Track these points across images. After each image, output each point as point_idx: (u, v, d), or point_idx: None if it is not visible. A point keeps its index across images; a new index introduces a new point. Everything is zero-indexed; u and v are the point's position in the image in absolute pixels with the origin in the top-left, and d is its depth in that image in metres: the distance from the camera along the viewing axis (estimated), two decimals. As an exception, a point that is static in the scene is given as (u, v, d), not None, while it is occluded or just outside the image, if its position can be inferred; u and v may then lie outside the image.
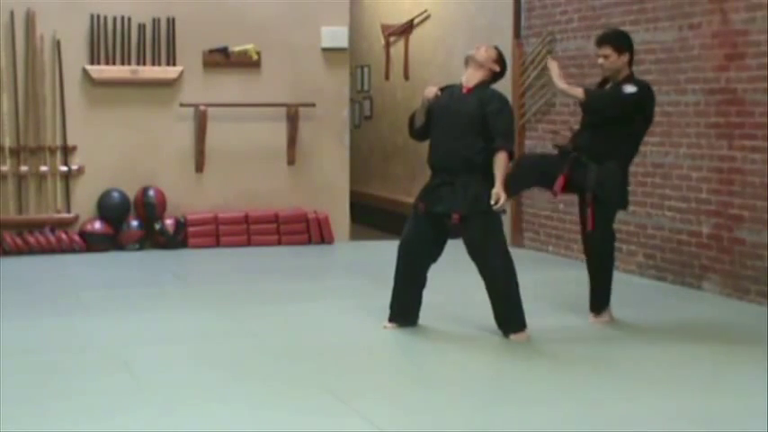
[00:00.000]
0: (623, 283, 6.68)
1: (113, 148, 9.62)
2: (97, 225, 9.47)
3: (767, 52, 7.02)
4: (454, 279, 7.31)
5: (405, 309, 6.35)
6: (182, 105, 9.74)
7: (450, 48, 10.58)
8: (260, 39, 9.95)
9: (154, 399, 4.96)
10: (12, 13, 9.31)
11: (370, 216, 11.93)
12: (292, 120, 10.03)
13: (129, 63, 9.61)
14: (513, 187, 6.40)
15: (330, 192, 10.25)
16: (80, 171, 9.54)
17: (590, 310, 6.58)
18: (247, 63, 9.92)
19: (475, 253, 6.15)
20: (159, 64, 9.70)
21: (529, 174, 6.79)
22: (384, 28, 12.35)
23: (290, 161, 10.12)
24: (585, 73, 8.72)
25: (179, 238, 9.66)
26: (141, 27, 9.64)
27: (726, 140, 7.38)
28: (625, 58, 6.48)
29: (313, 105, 10.06)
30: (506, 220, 6.49)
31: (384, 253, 7.79)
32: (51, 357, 5.71)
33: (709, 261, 7.54)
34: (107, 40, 9.54)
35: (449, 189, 6.10)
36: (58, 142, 9.48)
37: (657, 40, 7.94)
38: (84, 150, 9.55)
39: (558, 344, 6.07)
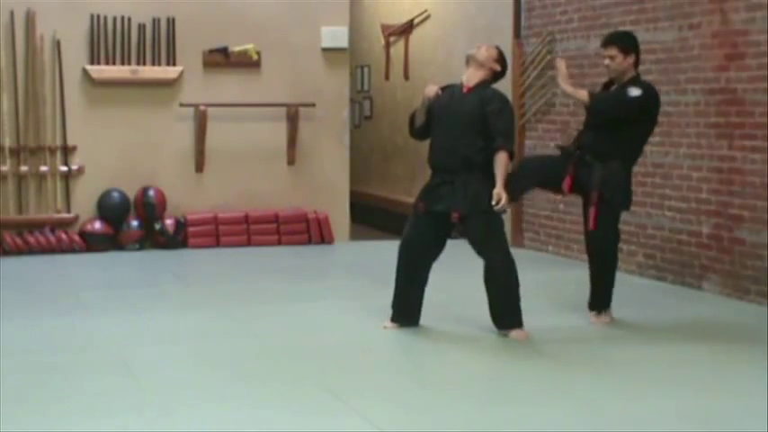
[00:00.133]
0: (623, 283, 6.69)
1: (113, 148, 9.62)
2: (97, 225, 9.47)
3: (767, 52, 7.02)
4: (455, 279, 7.31)
5: (406, 308, 6.35)
6: (182, 105, 9.74)
7: (451, 48, 10.58)
8: (260, 39, 9.95)
9: (154, 399, 4.96)
10: (12, 13, 9.31)
11: (370, 216, 11.93)
12: (292, 120, 10.03)
13: (129, 63, 9.61)
14: (514, 190, 6.40)
15: (330, 192, 10.25)
16: (80, 171, 9.54)
17: (590, 309, 6.58)
18: (247, 63, 9.92)
19: (477, 251, 6.16)
20: (159, 64, 9.70)
21: (530, 177, 6.78)
22: (384, 28, 12.35)
23: (290, 161, 10.12)
24: (585, 73, 8.73)
25: (179, 238, 9.66)
26: (141, 27, 9.64)
27: (726, 140, 7.38)
28: (631, 59, 6.48)
29: (313, 105, 10.06)
30: (506, 220, 6.49)
31: (384, 253, 7.79)
32: (51, 357, 5.71)
33: (709, 261, 7.54)
34: (107, 40, 9.54)
35: (449, 188, 6.10)
36: (58, 142, 9.48)
37: (657, 40, 7.94)
38: (84, 150, 9.55)
39: (557, 344, 6.07)
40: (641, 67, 6.65)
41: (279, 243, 9.90)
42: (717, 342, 6.14)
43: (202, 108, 9.70)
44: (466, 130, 6.10)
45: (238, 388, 5.12)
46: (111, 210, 9.54)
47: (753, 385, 5.17)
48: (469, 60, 6.25)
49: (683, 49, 7.75)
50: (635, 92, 6.40)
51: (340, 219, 10.25)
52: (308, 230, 10.00)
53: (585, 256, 6.71)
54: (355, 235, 10.53)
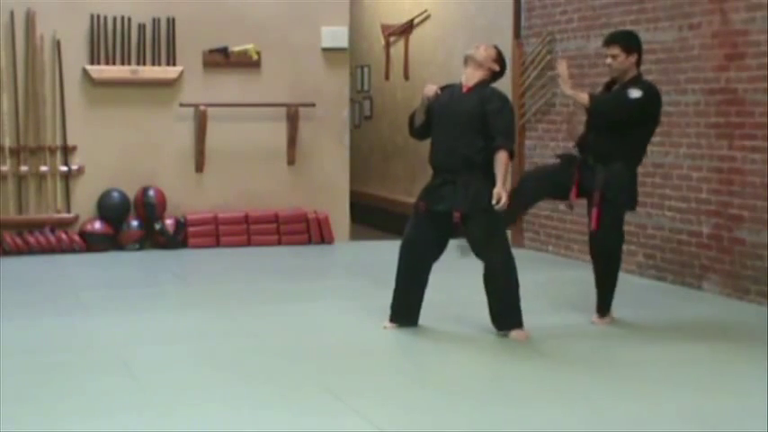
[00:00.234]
0: (623, 283, 6.68)
1: (113, 148, 9.62)
2: (97, 225, 9.47)
3: (767, 52, 7.02)
4: (455, 279, 7.31)
5: (406, 309, 6.35)
6: (182, 105, 9.74)
7: (451, 48, 10.59)
8: (260, 39, 9.95)
9: (154, 399, 4.96)
10: (12, 13, 9.31)
11: (370, 216, 11.93)
12: (292, 120, 10.03)
13: (129, 63, 9.62)
14: (516, 207, 6.42)
15: (330, 192, 10.25)
16: (80, 171, 9.54)
17: (596, 311, 6.56)
18: (247, 63, 9.92)
19: (478, 251, 6.15)
20: (159, 64, 9.70)
21: (533, 191, 6.76)
22: (384, 28, 12.35)
23: (290, 161, 10.12)
24: (585, 73, 8.73)
25: (179, 238, 9.66)
26: (141, 27, 9.64)
27: (726, 140, 7.38)
28: (633, 58, 6.48)
29: (313, 105, 10.06)
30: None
31: (384, 253, 7.79)
32: (51, 357, 5.71)
33: (709, 261, 7.54)
34: (107, 40, 9.54)
35: (450, 188, 6.10)
36: (58, 142, 9.48)
37: (657, 40, 7.94)
38: (84, 150, 9.55)
39: (557, 344, 6.07)
40: (642, 68, 6.65)
41: (279, 243, 9.90)
42: (717, 342, 6.14)
43: (202, 108, 9.70)
44: (466, 129, 6.10)
45: (238, 388, 5.12)
46: (111, 210, 9.54)
47: (753, 385, 5.17)
48: (468, 60, 6.24)
49: (683, 49, 7.75)
50: (635, 93, 6.40)
51: (340, 219, 10.25)
52: (308, 230, 10.00)
53: (586, 257, 6.71)
54: (355, 235, 10.53)
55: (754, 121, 7.15)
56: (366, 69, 12.85)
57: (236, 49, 9.89)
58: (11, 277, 8.10)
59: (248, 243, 9.83)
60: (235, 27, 9.88)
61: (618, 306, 6.64)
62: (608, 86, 6.65)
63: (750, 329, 6.46)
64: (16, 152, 9.36)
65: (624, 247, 7.87)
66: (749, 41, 7.18)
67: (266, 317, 6.82)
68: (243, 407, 4.82)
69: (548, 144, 9.39)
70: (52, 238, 9.30)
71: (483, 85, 6.21)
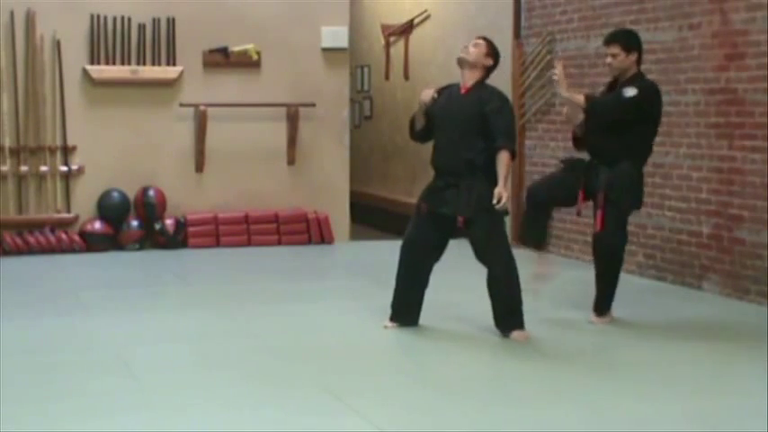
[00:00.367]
0: (623, 283, 6.68)
1: (113, 148, 9.62)
2: (97, 225, 9.47)
3: (767, 52, 7.02)
4: (455, 279, 7.31)
5: (406, 308, 6.35)
6: (182, 105, 9.74)
7: (450, 48, 10.57)
8: (260, 39, 9.95)
9: (154, 399, 4.96)
10: (12, 13, 9.31)
11: (370, 216, 11.93)
12: (292, 120, 10.03)
13: (129, 63, 9.61)
14: (536, 231, 6.46)
15: (330, 192, 10.25)
16: (80, 171, 9.54)
17: (593, 311, 6.57)
18: (247, 63, 9.92)
19: (479, 252, 6.15)
20: (159, 64, 9.70)
21: (543, 205, 6.75)
22: (384, 28, 12.35)
23: (290, 161, 10.12)
24: (585, 73, 8.73)
25: (179, 238, 9.66)
26: (141, 27, 9.64)
27: (726, 140, 7.38)
28: (633, 57, 6.49)
29: (313, 105, 10.06)
30: (507, 220, 6.49)
31: (384, 253, 7.79)
32: (51, 357, 5.71)
33: (709, 261, 7.54)
34: (107, 40, 9.54)
35: (453, 192, 6.09)
36: (58, 142, 9.48)
37: (657, 40, 7.94)
38: (84, 150, 9.55)
39: (558, 344, 6.07)
40: (642, 68, 6.66)
41: (279, 243, 9.90)
42: (717, 342, 6.14)
43: (202, 108, 9.70)
44: (466, 131, 6.09)
45: (238, 388, 5.13)
46: (111, 210, 9.54)
47: (753, 385, 5.17)
48: (462, 63, 6.23)
49: (683, 49, 7.75)
50: (630, 92, 6.40)
51: (340, 219, 10.25)
52: (308, 230, 10.00)
53: (586, 256, 6.72)
54: (355, 235, 10.53)
55: (754, 121, 7.15)
56: (366, 69, 12.85)
57: (236, 49, 9.88)
58: (11, 277, 8.10)
59: (248, 243, 9.83)
60: (235, 27, 9.88)
61: (618, 306, 6.65)
62: (610, 86, 6.65)
63: (750, 329, 6.46)
64: (16, 152, 9.36)
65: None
66: (749, 41, 7.18)
67: (266, 317, 6.82)
68: (243, 407, 4.82)
69: (548, 144, 9.40)
70: (52, 238, 9.30)
71: (481, 83, 6.20)
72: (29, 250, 9.21)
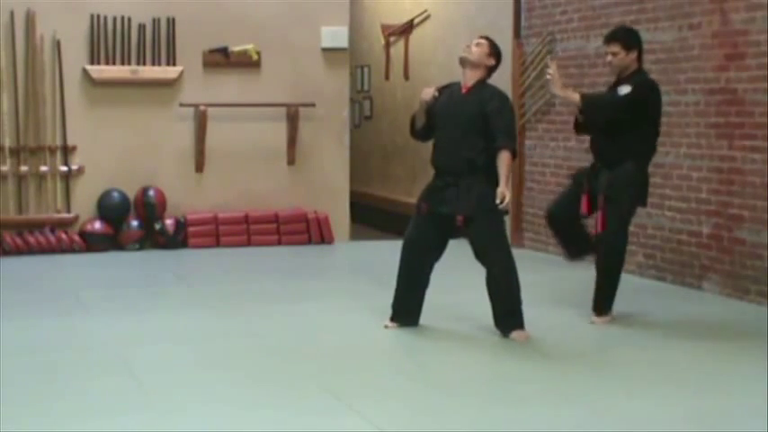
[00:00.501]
0: (623, 283, 6.68)
1: (113, 148, 9.62)
2: (97, 225, 9.47)
3: (767, 52, 7.02)
4: (455, 279, 7.31)
5: (406, 308, 6.35)
6: (182, 105, 9.74)
7: (450, 48, 10.57)
8: (260, 39, 9.95)
9: (154, 399, 4.96)
10: (12, 13, 9.31)
11: (370, 216, 11.93)
12: (292, 120, 10.03)
13: (129, 63, 9.61)
14: (571, 239, 6.57)
15: (330, 192, 10.25)
16: (80, 171, 9.54)
17: (592, 310, 6.57)
18: (247, 63, 9.92)
19: (479, 253, 6.15)
20: (159, 64, 9.70)
21: (568, 218, 6.75)
22: (384, 28, 12.34)
23: (290, 161, 10.12)
24: (585, 73, 8.73)
25: (179, 238, 9.66)
26: (141, 27, 9.64)
27: (726, 140, 7.38)
28: (633, 54, 6.51)
29: (313, 105, 10.06)
30: (507, 220, 6.50)
31: (384, 253, 7.80)
32: (51, 357, 5.71)
33: (709, 261, 7.54)
34: (107, 40, 9.54)
35: (453, 191, 6.09)
36: (58, 142, 9.48)
37: (657, 40, 7.94)
38: (84, 150, 9.55)
39: (558, 344, 6.07)
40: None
41: (279, 243, 9.89)
42: (717, 342, 6.14)
43: (202, 108, 9.70)
44: (467, 131, 6.09)
45: (238, 388, 5.13)
46: (111, 210, 9.54)
47: (753, 385, 5.17)
48: (463, 63, 6.23)
49: (683, 49, 7.75)
50: (624, 90, 6.43)
51: (340, 219, 10.25)
52: (308, 230, 10.00)
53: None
54: (355, 235, 10.53)
55: (754, 121, 7.15)
56: (366, 69, 12.85)
57: (236, 49, 9.89)
58: (11, 277, 8.10)
59: (248, 243, 9.83)
60: (235, 27, 9.88)
61: (618, 306, 6.64)
62: (615, 86, 6.65)
63: (750, 329, 6.46)
64: (16, 152, 9.36)
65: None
66: (749, 41, 7.18)
67: (266, 317, 6.82)
68: (243, 407, 4.82)
69: (548, 144, 9.40)
70: (52, 238, 9.30)
71: (482, 82, 6.20)
72: (29, 250, 9.21)
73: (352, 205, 10.63)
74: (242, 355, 5.81)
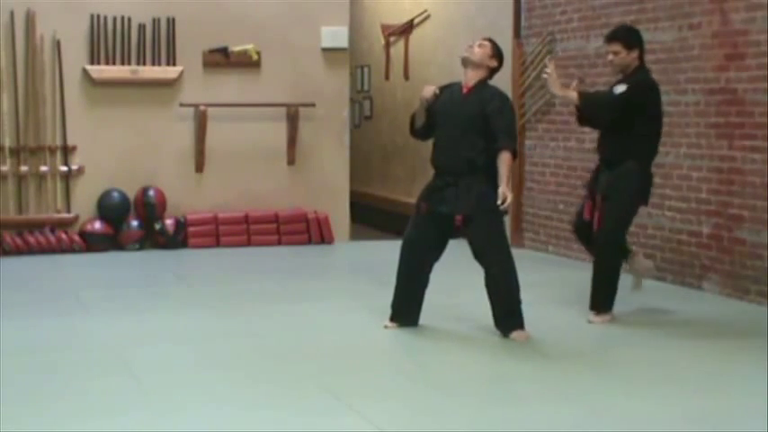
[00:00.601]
0: (623, 283, 6.68)
1: (113, 148, 9.62)
2: (97, 225, 9.47)
3: (767, 52, 7.02)
4: (455, 279, 7.31)
5: (406, 308, 6.35)
6: (182, 105, 9.74)
7: (451, 48, 10.57)
8: (260, 39, 9.95)
9: (154, 399, 4.96)
10: (12, 13, 9.31)
11: (370, 216, 11.93)
12: (292, 120, 10.03)
13: (129, 63, 9.61)
14: (612, 264, 6.57)
15: (330, 192, 10.25)
16: (80, 171, 9.54)
17: (590, 309, 6.58)
18: (247, 63, 9.92)
19: (478, 253, 6.15)
20: (159, 64, 9.70)
21: (589, 230, 6.76)
22: (384, 28, 12.35)
23: (290, 161, 10.12)
24: (585, 73, 8.72)
25: (179, 238, 9.66)
26: (141, 27, 9.64)
27: (726, 140, 7.38)
28: (635, 53, 6.54)
29: (313, 105, 10.06)
30: (506, 220, 6.50)
31: (384, 253, 7.79)
32: (51, 357, 5.71)
33: (709, 261, 7.54)
34: (107, 40, 9.54)
35: (452, 191, 6.09)
36: (58, 142, 9.48)
37: (657, 40, 7.94)
38: (84, 150, 9.55)
39: (558, 344, 6.07)
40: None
41: (279, 243, 9.89)
42: (717, 342, 6.14)
43: (202, 108, 9.70)
44: (467, 131, 6.09)
45: (238, 388, 5.13)
46: (111, 210, 9.54)
47: (753, 385, 5.17)
48: (465, 63, 6.23)
49: (683, 49, 7.75)
50: (619, 89, 6.46)
51: (340, 219, 10.25)
52: (308, 230, 10.00)
53: (586, 256, 6.74)
54: (355, 235, 10.53)
55: (754, 121, 7.15)
56: (366, 69, 12.85)
57: (236, 49, 9.89)
58: (11, 277, 8.10)
59: (248, 243, 9.83)
60: (235, 27, 9.88)
61: (618, 306, 6.64)
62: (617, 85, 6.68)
63: (750, 329, 6.46)
64: (16, 152, 9.36)
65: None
66: (749, 41, 7.18)
67: (266, 317, 6.82)
68: (243, 407, 4.82)
69: (548, 144, 9.40)
70: (52, 238, 9.30)
71: (483, 83, 6.20)
72: (29, 250, 9.21)
73: (352, 205, 10.63)
74: (242, 355, 5.81)
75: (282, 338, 6.20)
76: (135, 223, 9.56)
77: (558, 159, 9.24)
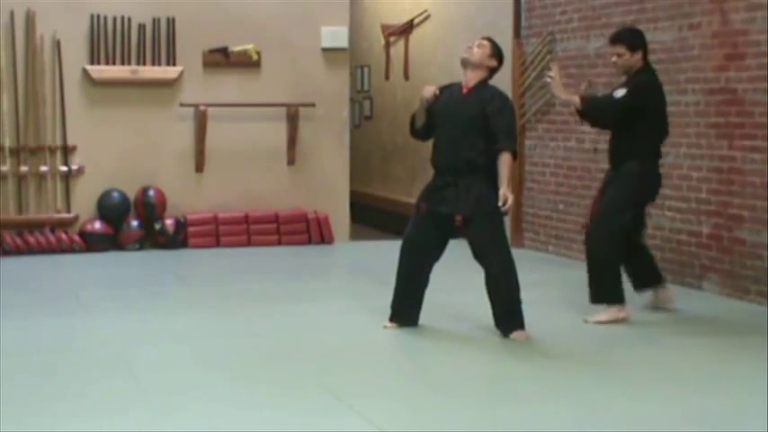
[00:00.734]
0: (623, 283, 6.68)
1: (113, 148, 9.62)
2: (97, 225, 9.47)
3: (767, 52, 7.02)
4: (454, 279, 7.31)
5: (406, 308, 6.35)
6: (182, 105, 9.74)
7: (450, 48, 10.58)
8: (260, 39, 9.95)
9: (154, 399, 4.96)
10: (12, 13, 9.31)
11: (370, 216, 11.93)
12: (292, 120, 10.03)
13: (129, 63, 9.61)
14: (635, 279, 6.73)
15: (330, 192, 10.25)
16: (80, 171, 9.54)
17: (590, 302, 6.59)
18: (247, 63, 9.92)
19: (478, 253, 6.15)
20: (159, 64, 9.70)
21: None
22: (384, 28, 12.35)
23: (290, 161, 10.12)
24: (585, 73, 8.72)
25: (179, 238, 9.66)
26: (141, 27, 9.64)
27: (726, 140, 7.38)
28: (638, 55, 6.60)
29: (313, 105, 10.06)
30: (506, 220, 6.50)
31: (384, 253, 7.79)
32: (51, 357, 5.71)
33: (709, 261, 7.54)
34: (107, 40, 9.54)
35: (452, 191, 6.09)
36: (58, 142, 9.48)
37: (657, 40, 7.93)
38: (84, 150, 9.55)
39: (557, 344, 6.07)
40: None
41: (279, 243, 9.89)
42: (716, 342, 6.14)
43: (202, 108, 9.70)
44: (467, 131, 6.08)
45: (238, 388, 5.13)
46: (111, 210, 9.54)
47: (753, 385, 5.17)
48: (465, 64, 6.22)
49: (683, 49, 7.75)
50: (619, 93, 6.52)
51: (340, 219, 10.25)
52: (308, 230, 10.00)
53: (585, 256, 6.75)
54: (355, 235, 10.53)
55: (754, 121, 7.15)
56: (366, 69, 12.85)
57: (236, 49, 9.89)
58: (11, 277, 8.10)
59: (248, 243, 9.83)
60: (235, 27, 9.88)
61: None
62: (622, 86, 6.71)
63: (750, 329, 6.46)
64: (16, 152, 9.36)
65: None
66: (749, 41, 7.18)
67: (266, 317, 6.82)
68: (243, 407, 4.82)
69: (548, 144, 9.40)
70: (52, 238, 9.30)
71: (483, 83, 6.19)
72: (29, 250, 9.21)
73: (352, 205, 10.63)
74: (242, 355, 5.80)
75: (282, 338, 6.20)
76: (135, 223, 9.56)
77: (558, 159, 9.24)
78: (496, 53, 6.24)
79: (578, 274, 7.18)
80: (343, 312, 6.91)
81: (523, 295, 6.15)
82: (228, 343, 6.08)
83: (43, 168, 9.42)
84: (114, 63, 9.57)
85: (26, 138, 9.39)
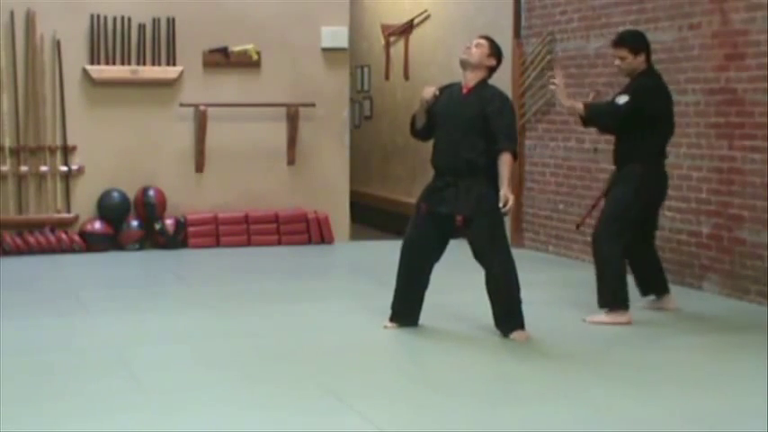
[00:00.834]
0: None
1: (113, 148, 9.62)
2: (97, 225, 9.47)
3: (767, 52, 7.02)
4: (455, 279, 7.31)
5: (406, 309, 6.35)
6: (182, 105, 9.74)
7: (450, 48, 10.58)
8: (260, 39, 9.95)
9: (154, 399, 4.96)
10: (12, 13, 9.31)
11: (370, 216, 11.93)
12: (292, 120, 10.03)
13: (129, 63, 9.61)
14: (642, 285, 6.75)
15: (330, 192, 10.25)
16: (80, 171, 9.54)
17: (598, 306, 6.59)
18: (247, 63, 9.92)
19: (478, 254, 6.15)
20: (159, 64, 9.70)
21: (637, 253, 6.84)
22: (384, 28, 12.35)
23: (290, 161, 10.12)
24: (585, 73, 8.73)
25: (179, 238, 9.66)
26: (141, 27, 9.64)
27: (726, 140, 7.38)
28: (641, 57, 6.63)
29: (313, 105, 10.06)
30: (506, 220, 6.50)
31: (384, 253, 7.79)
32: (51, 357, 5.71)
33: (709, 261, 7.54)
34: (107, 40, 9.54)
35: (452, 191, 6.09)
36: (58, 142, 9.48)
37: (657, 40, 7.93)
38: (84, 150, 9.55)
39: (558, 344, 6.07)
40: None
41: (279, 243, 9.89)
42: (716, 342, 6.15)
43: (202, 108, 9.70)
44: (467, 132, 6.08)
45: (238, 388, 5.13)
46: (111, 210, 9.54)
47: (753, 385, 5.17)
48: (464, 65, 6.22)
49: (683, 49, 7.75)
50: (622, 99, 6.52)
51: (340, 219, 10.25)
52: (308, 230, 10.00)
53: (586, 256, 6.78)
54: (355, 235, 10.53)
55: (754, 121, 7.15)
56: (366, 69, 12.85)
57: (236, 49, 9.89)
58: (11, 277, 8.10)
59: (248, 243, 9.83)
60: (235, 27, 9.88)
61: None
62: (626, 89, 6.73)
63: (750, 329, 6.46)
64: (16, 152, 9.36)
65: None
66: (749, 41, 7.18)
67: (266, 317, 6.82)
68: (243, 407, 4.82)
69: (548, 144, 9.40)
70: (52, 238, 9.30)
71: (483, 83, 6.19)
72: (29, 250, 9.21)
73: (352, 205, 10.63)
74: (242, 355, 5.81)
75: (282, 338, 6.20)
76: (135, 223, 9.56)
77: (558, 159, 9.24)
78: (495, 52, 6.23)
79: (578, 274, 7.20)
80: (343, 312, 6.91)
81: (523, 295, 6.15)
82: (228, 343, 6.08)
83: (43, 168, 9.42)
84: (114, 63, 9.57)
85: (26, 138, 9.39)
